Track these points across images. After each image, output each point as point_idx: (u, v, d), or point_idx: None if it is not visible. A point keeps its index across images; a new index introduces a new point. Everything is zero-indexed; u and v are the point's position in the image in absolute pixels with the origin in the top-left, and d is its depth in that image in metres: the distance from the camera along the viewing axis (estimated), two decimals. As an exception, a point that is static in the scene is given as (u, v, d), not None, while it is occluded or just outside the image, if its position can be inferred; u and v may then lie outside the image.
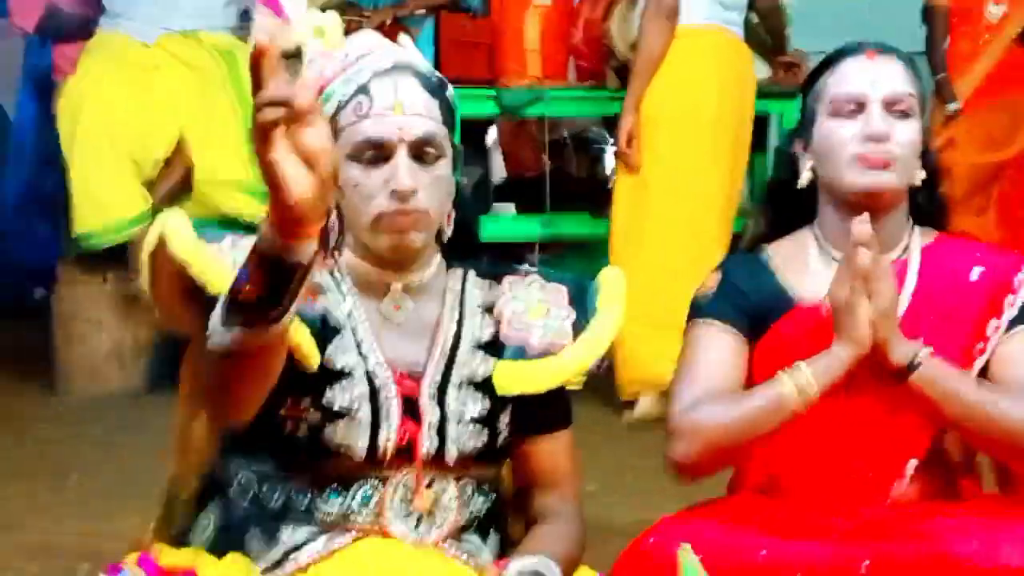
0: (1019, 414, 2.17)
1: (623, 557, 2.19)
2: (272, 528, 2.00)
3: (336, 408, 1.99)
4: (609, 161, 5.58)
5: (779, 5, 5.20)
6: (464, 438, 2.04)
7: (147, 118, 4.77)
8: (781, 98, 5.27)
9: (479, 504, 2.08)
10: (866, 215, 2.15)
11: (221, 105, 4.83)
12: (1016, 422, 2.17)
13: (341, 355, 2.01)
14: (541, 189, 5.49)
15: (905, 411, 2.20)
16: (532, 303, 2.12)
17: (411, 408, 2.02)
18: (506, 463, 2.15)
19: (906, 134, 2.24)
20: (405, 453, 2.01)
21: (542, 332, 2.10)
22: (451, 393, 2.04)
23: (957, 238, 2.35)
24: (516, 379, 2.07)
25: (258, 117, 1.54)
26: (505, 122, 6.16)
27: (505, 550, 2.09)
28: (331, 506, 2.00)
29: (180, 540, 2.06)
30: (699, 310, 2.30)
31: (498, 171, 6.66)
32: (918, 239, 2.31)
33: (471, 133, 5.50)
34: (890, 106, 2.24)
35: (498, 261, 2.20)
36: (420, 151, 2.00)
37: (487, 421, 2.05)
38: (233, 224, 2.83)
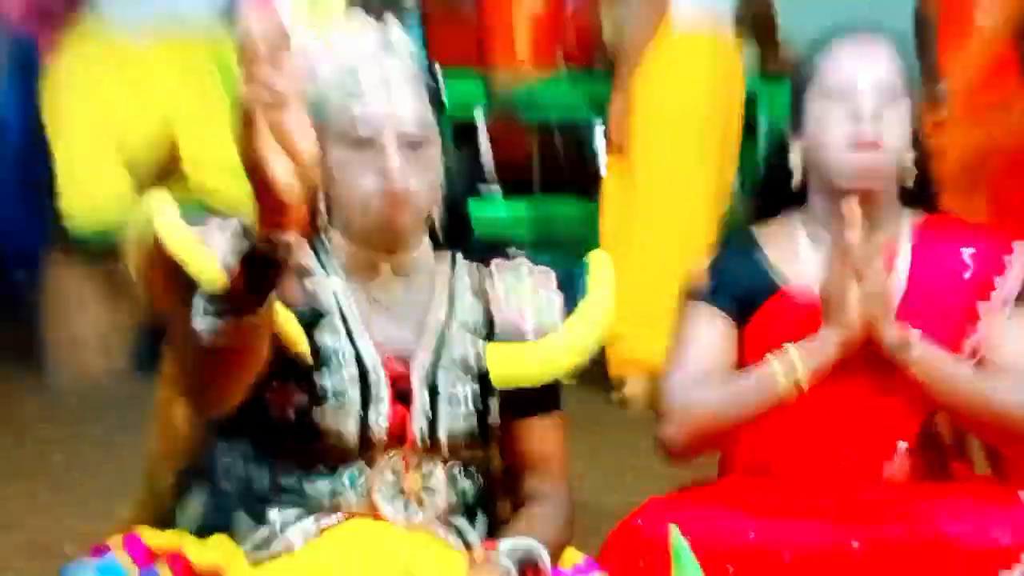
0: (1009, 396, 2.18)
1: (611, 539, 2.20)
2: (259, 510, 1.99)
3: (324, 391, 1.98)
4: (599, 144, 5.57)
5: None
6: (454, 421, 2.03)
7: (132, 101, 4.76)
8: (769, 81, 5.26)
9: (468, 486, 2.07)
10: (855, 197, 2.15)
11: (207, 87, 4.81)
12: (1006, 404, 2.18)
13: (329, 338, 2.00)
14: (529, 172, 5.49)
15: (894, 393, 2.21)
16: (522, 285, 2.12)
17: (401, 391, 2.01)
18: (495, 445, 2.15)
19: (896, 116, 2.23)
20: (395, 436, 2.00)
21: (532, 313, 2.10)
22: (441, 376, 2.03)
23: (947, 220, 2.35)
24: (511, 370, 2.06)
25: (242, 100, 1.53)
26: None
27: (494, 532, 2.08)
28: (319, 488, 1.99)
29: (163, 522, 2.05)
30: (690, 294, 2.30)
31: (485, 154, 6.64)
32: (908, 221, 2.31)
33: (458, 117, 5.48)
34: (880, 89, 2.23)
35: (486, 245, 2.20)
36: (407, 133, 1.99)
37: (477, 404, 2.05)
38: (218, 207, 2.82)
